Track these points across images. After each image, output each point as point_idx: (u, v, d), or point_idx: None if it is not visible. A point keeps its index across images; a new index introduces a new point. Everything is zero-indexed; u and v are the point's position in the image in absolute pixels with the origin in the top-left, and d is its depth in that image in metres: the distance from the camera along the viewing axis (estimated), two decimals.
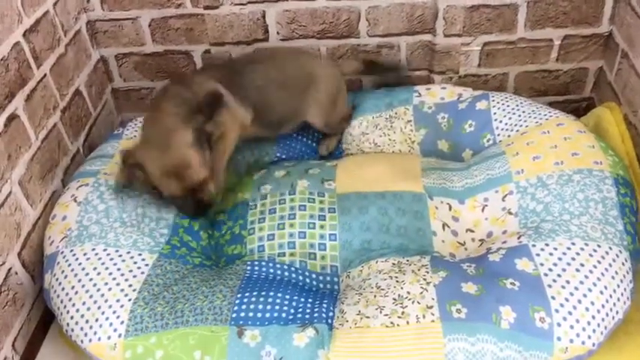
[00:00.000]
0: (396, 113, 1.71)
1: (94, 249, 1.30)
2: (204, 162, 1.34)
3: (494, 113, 1.62)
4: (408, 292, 1.16)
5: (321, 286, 1.32)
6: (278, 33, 1.81)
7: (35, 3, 1.48)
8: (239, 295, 1.20)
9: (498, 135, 1.58)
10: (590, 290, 1.13)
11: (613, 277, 1.15)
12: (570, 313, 1.10)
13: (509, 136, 1.56)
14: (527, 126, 1.54)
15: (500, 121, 1.60)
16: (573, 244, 1.21)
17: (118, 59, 1.87)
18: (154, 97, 1.49)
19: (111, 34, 1.81)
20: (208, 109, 1.37)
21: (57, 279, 1.27)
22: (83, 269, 1.26)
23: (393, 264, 1.27)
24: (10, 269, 1.31)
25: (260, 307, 1.17)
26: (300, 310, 1.19)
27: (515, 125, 1.56)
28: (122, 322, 1.17)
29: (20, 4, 1.41)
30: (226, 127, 1.43)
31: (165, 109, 1.37)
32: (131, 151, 1.38)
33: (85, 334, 1.18)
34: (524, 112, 1.58)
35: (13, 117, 1.36)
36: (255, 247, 1.38)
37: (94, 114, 1.81)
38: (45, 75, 1.52)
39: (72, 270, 1.26)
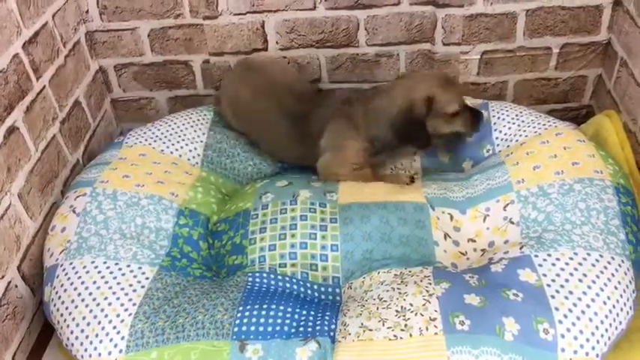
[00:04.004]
0: None
1: (93, 262, 1.29)
2: None
3: (494, 123, 1.62)
4: (411, 304, 1.16)
5: (323, 297, 1.31)
6: (277, 42, 1.81)
7: (34, 14, 1.48)
8: (240, 309, 1.19)
9: (498, 145, 1.58)
10: (593, 301, 1.12)
11: (616, 287, 1.15)
12: (574, 323, 1.09)
13: (508, 146, 1.56)
14: (526, 136, 1.54)
15: (500, 132, 1.60)
16: (576, 254, 1.20)
17: (117, 70, 1.87)
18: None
19: (110, 45, 1.81)
20: None
21: (57, 292, 1.26)
22: (83, 283, 1.25)
23: (396, 275, 1.27)
24: (9, 282, 1.30)
25: (262, 320, 1.17)
26: (302, 323, 1.18)
27: (515, 135, 1.57)
28: (122, 338, 1.16)
29: (19, 15, 1.41)
30: None
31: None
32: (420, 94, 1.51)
33: (85, 350, 1.17)
34: (523, 121, 1.59)
35: (12, 129, 1.35)
36: (256, 258, 1.37)
37: (94, 125, 1.81)
38: (44, 86, 1.52)
39: (71, 284, 1.26)
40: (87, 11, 1.74)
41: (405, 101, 1.49)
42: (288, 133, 1.63)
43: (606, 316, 1.11)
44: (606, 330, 1.11)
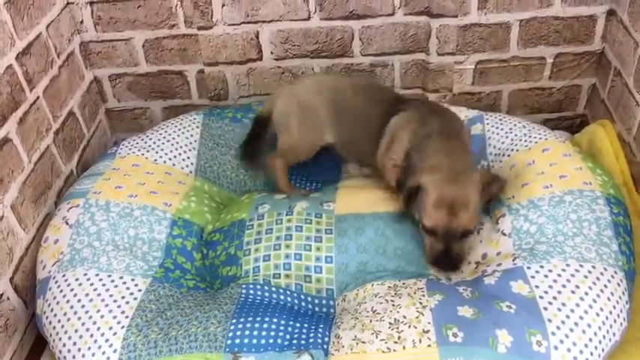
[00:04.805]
0: None
1: (85, 274, 1.29)
2: (476, 214, 1.32)
3: (489, 138, 1.62)
4: (404, 316, 1.15)
5: (317, 309, 1.31)
6: (272, 53, 1.81)
7: (28, 25, 1.48)
8: (234, 321, 1.19)
9: (492, 161, 1.59)
10: (586, 312, 1.12)
11: (609, 299, 1.15)
12: (567, 336, 1.09)
13: (500, 161, 1.56)
14: (517, 150, 1.54)
15: (494, 147, 1.60)
16: (568, 265, 1.20)
17: (111, 80, 1.87)
18: (442, 126, 1.46)
19: (104, 55, 1.81)
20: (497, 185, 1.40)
21: (49, 305, 1.26)
22: (75, 295, 1.24)
23: (389, 287, 1.27)
24: (2, 295, 1.29)
25: (255, 333, 1.16)
26: (296, 335, 1.18)
27: (507, 150, 1.57)
28: (115, 351, 1.16)
29: (12, 27, 1.41)
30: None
31: (463, 146, 1.44)
32: (416, 175, 1.35)
33: None
34: (516, 135, 1.58)
35: (5, 141, 1.35)
36: (250, 269, 1.36)
37: (88, 135, 1.81)
38: (38, 97, 1.51)
39: (64, 296, 1.25)
40: (81, 22, 1.75)
41: (420, 170, 1.36)
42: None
43: (599, 328, 1.11)
44: (600, 342, 1.10)
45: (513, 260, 1.25)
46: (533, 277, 1.19)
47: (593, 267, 1.19)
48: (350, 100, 1.62)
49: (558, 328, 1.10)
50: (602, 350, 1.11)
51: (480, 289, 1.21)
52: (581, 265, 1.20)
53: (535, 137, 1.55)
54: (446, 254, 1.31)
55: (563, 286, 1.16)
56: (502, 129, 1.62)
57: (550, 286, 1.17)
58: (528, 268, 1.22)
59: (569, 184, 1.36)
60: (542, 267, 1.21)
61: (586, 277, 1.17)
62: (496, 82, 1.85)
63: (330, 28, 1.76)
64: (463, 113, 1.72)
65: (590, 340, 1.10)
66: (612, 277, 1.19)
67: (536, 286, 1.17)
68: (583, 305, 1.13)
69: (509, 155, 1.55)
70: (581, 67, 1.81)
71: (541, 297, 1.15)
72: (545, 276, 1.19)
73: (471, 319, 1.13)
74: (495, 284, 1.20)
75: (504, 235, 1.34)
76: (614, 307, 1.15)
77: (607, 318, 1.13)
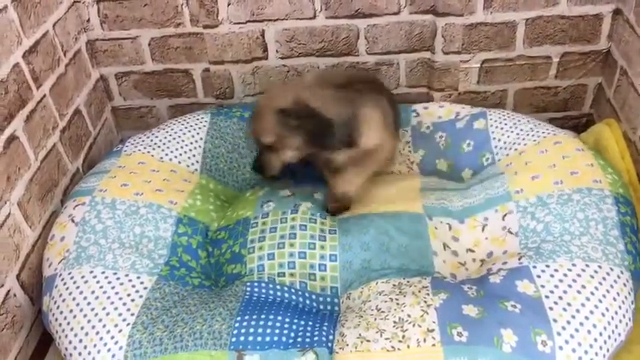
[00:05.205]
0: None
1: (92, 271, 1.29)
2: (281, 133, 1.43)
3: (492, 132, 1.62)
4: (409, 315, 1.15)
5: (322, 307, 1.31)
6: (277, 51, 1.81)
7: (35, 24, 1.49)
8: (238, 319, 1.19)
9: (497, 154, 1.58)
10: (591, 313, 1.12)
11: (614, 299, 1.15)
12: (572, 336, 1.09)
13: (507, 155, 1.56)
14: (525, 144, 1.54)
15: (499, 140, 1.60)
16: (574, 265, 1.20)
17: (117, 78, 1.87)
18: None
19: (110, 54, 1.82)
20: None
21: (55, 302, 1.26)
22: (81, 293, 1.25)
23: (394, 285, 1.27)
24: (8, 291, 1.30)
25: (260, 330, 1.17)
26: (301, 333, 1.18)
27: (514, 144, 1.56)
28: (121, 348, 1.16)
29: (19, 25, 1.41)
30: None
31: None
32: None
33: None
34: (522, 130, 1.58)
35: (12, 138, 1.36)
36: (254, 267, 1.37)
37: (94, 133, 1.81)
38: (44, 95, 1.52)
39: (70, 293, 1.26)
40: (88, 20, 1.75)
41: None
42: None
43: (605, 328, 1.11)
44: (605, 342, 1.10)
45: (519, 259, 1.25)
46: (539, 276, 1.19)
47: (600, 267, 1.19)
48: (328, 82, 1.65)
49: (564, 328, 1.10)
50: (607, 350, 1.11)
51: (485, 287, 1.21)
52: (587, 265, 1.20)
53: (543, 132, 1.55)
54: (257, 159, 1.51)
55: (569, 286, 1.16)
56: (506, 123, 1.62)
57: (556, 286, 1.16)
58: (534, 267, 1.21)
59: (580, 181, 1.36)
60: (548, 266, 1.21)
61: (592, 277, 1.17)
62: (502, 81, 1.84)
63: (336, 26, 1.76)
64: (466, 110, 1.72)
65: (596, 340, 1.10)
66: (618, 277, 1.18)
67: (542, 286, 1.17)
68: (589, 305, 1.13)
69: (516, 149, 1.54)
70: (587, 67, 1.81)
71: (547, 297, 1.15)
72: (551, 275, 1.19)
73: (476, 318, 1.13)
74: (501, 283, 1.20)
75: (511, 233, 1.34)
76: (620, 307, 1.14)
77: (612, 318, 1.13)
